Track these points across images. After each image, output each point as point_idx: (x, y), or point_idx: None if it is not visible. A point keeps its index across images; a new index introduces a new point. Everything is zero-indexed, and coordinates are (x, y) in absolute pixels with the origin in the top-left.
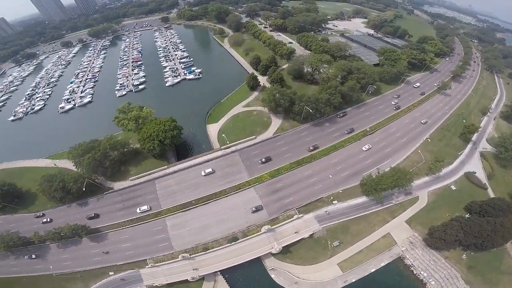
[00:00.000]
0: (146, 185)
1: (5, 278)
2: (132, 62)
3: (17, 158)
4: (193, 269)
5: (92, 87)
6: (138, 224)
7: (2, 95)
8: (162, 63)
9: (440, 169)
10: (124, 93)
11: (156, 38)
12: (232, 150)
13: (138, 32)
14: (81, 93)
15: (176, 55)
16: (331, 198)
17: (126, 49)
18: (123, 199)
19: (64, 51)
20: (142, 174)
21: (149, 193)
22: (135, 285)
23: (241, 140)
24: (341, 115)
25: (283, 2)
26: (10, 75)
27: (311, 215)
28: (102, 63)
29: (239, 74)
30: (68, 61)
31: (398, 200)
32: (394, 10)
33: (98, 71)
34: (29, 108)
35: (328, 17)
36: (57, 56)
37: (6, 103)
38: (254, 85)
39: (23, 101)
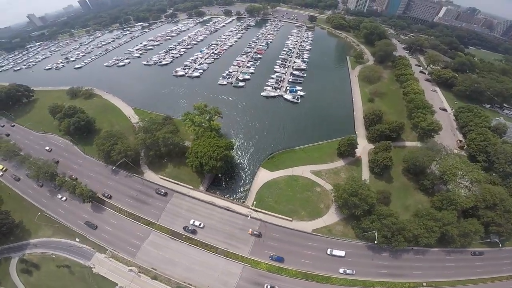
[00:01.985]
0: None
1: (18, 195)
2: (254, 53)
3: (119, 95)
4: (129, 282)
5: (209, 63)
6: (130, 220)
7: (157, 41)
8: (275, 67)
9: None
10: (224, 82)
11: (291, 35)
12: (257, 217)
13: (282, 22)
14: (198, 65)
15: (294, 63)
16: None
17: (260, 36)
18: (141, 190)
19: (221, 18)
20: (170, 180)
21: (161, 200)
22: (81, 258)
23: (274, 214)
24: (413, 251)
25: (470, 48)
26: (176, 26)
27: None
28: (234, 42)
29: (343, 122)
30: (216, 29)
31: None
32: None
33: (225, 49)
34: (160, 59)
35: None
36: (214, 21)
37: (154, 47)
38: (346, 152)
39: (162, 52)
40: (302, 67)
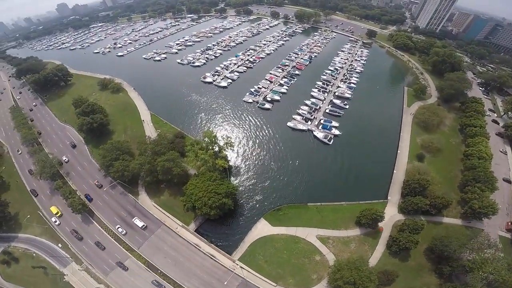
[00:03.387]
0: (153, 221)
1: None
2: (293, 67)
3: (143, 94)
4: None
5: (241, 72)
6: (113, 240)
7: (199, 37)
8: (312, 90)
9: None
10: (250, 100)
11: (341, 51)
12: (241, 274)
13: (334, 34)
14: (229, 72)
15: (338, 88)
16: None
17: (304, 48)
18: (131, 212)
19: (267, 19)
20: (162, 210)
21: (147, 229)
22: (58, 264)
23: (259, 276)
24: None
25: None
26: (221, 23)
27: None
28: (274, 50)
29: (377, 181)
30: (259, 31)
31: None
32: None
33: (262, 58)
34: (193, 60)
35: None
36: (259, 22)
37: (194, 44)
38: (366, 224)
39: (199, 51)
40: (346, 95)
